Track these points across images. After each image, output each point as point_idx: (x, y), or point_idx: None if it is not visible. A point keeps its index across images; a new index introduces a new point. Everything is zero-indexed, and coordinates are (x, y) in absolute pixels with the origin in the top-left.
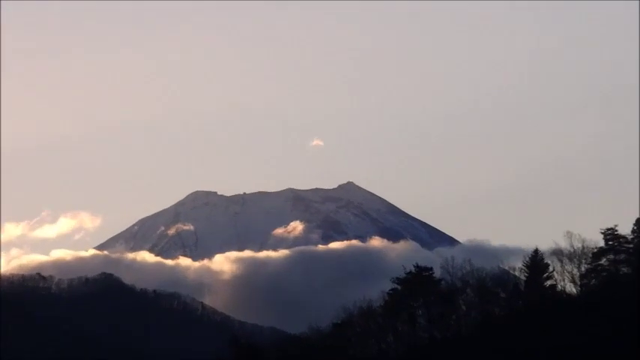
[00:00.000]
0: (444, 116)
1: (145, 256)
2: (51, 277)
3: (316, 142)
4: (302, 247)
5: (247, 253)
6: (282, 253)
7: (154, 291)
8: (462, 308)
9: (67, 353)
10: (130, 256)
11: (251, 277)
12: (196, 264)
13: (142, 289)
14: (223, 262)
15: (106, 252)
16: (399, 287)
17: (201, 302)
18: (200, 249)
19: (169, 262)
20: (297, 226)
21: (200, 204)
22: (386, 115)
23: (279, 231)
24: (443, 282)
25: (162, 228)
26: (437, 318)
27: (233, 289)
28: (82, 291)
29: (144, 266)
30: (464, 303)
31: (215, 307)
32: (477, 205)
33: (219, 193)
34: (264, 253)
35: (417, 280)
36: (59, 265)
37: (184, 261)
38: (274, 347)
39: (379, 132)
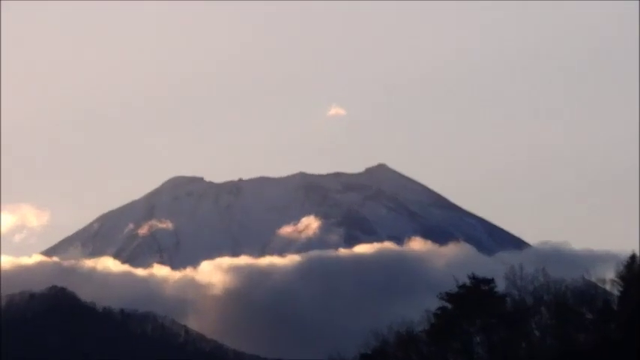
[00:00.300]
0: (506, 76)
1: (109, 264)
2: None
3: (335, 110)
4: (317, 252)
5: (244, 260)
6: (291, 259)
7: (122, 310)
8: (533, 333)
9: None
10: (89, 263)
11: (250, 292)
12: (177, 274)
13: (104, 307)
14: (212, 272)
15: (56, 258)
16: (449, 305)
17: (184, 325)
18: (182, 254)
19: (141, 271)
20: (310, 224)
21: (181, 194)
22: (428, 74)
23: (286, 230)
24: (508, 298)
25: (132, 226)
26: (500, 346)
27: (226, 308)
28: (26, 310)
29: (107, 277)
30: (536, 326)
31: (202, 331)
32: (553, 197)
33: (206, 179)
34: (266, 260)
35: (474, 295)
36: None
37: (161, 270)
38: None
39: (420, 97)
